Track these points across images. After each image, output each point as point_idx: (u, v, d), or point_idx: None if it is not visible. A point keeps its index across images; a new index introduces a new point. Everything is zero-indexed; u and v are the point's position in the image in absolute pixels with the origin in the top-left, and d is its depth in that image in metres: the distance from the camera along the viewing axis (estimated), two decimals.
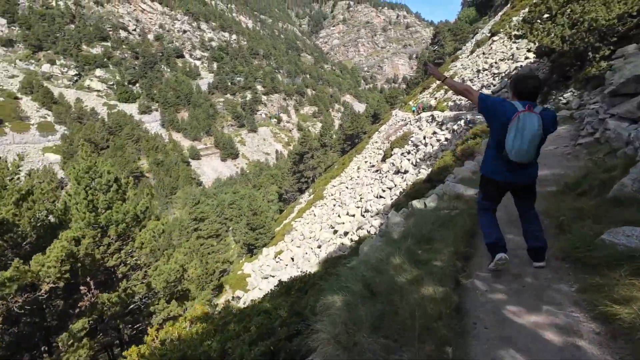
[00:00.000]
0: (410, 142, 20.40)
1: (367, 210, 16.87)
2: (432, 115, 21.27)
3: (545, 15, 9.47)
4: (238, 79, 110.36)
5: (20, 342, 8.13)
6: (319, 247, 18.25)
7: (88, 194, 9.16)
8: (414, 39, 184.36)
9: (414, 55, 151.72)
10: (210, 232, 29.32)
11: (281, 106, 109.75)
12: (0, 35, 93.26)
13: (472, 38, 35.58)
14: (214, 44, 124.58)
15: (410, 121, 25.50)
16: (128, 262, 10.13)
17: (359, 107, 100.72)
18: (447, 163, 10.99)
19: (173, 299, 10.99)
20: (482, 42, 29.19)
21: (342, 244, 15.36)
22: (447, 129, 17.16)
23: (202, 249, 25.54)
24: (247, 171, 74.21)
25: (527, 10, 11.95)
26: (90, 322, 8.63)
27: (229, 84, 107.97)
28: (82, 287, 9.13)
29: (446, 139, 16.49)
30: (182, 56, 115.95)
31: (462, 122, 15.47)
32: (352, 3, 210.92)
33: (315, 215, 24.72)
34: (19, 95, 78.41)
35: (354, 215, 18.10)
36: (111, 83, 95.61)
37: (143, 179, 68.53)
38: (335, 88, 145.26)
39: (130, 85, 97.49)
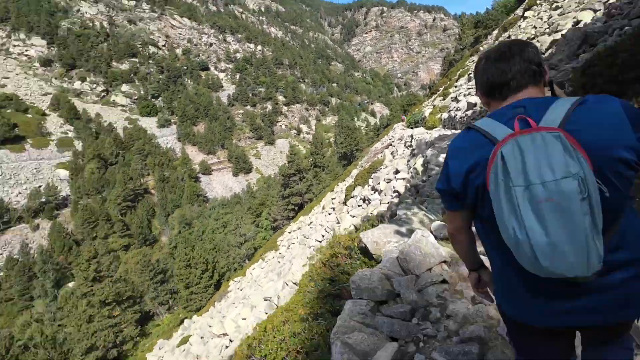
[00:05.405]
0: (370, 181, 12.65)
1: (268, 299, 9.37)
2: (411, 136, 13.30)
3: None
4: (259, 89, 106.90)
5: None
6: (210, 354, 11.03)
7: None
8: (452, 41, 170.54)
9: None
10: (107, 296, 21.70)
11: (302, 116, 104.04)
12: (40, 55, 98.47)
13: (501, 24, 26.58)
14: (238, 55, 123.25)
15: (393, 141, 17.52)
16: None
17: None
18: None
19: None
20: (511, 24, 20.32)
21: None
22: (411, 166, 9.28)
23: (97, 323, 18.90)
24: (255, 187, 68.65)
25: None
26: None
27: (250, 95, 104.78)
28: None
29: (406, 188, 8.68)
30: (207, 69, 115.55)
31: (422, 159, 7.58)
32: (385, 9, 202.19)
33: (252, 276, 17.45)
34: (47, 111, 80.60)
35: (269, 300, 10.65)
36: (135, 98, 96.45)
37: (147, 196, 65.78)
38: (364, 96, 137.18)
39: (152, 99, 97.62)
